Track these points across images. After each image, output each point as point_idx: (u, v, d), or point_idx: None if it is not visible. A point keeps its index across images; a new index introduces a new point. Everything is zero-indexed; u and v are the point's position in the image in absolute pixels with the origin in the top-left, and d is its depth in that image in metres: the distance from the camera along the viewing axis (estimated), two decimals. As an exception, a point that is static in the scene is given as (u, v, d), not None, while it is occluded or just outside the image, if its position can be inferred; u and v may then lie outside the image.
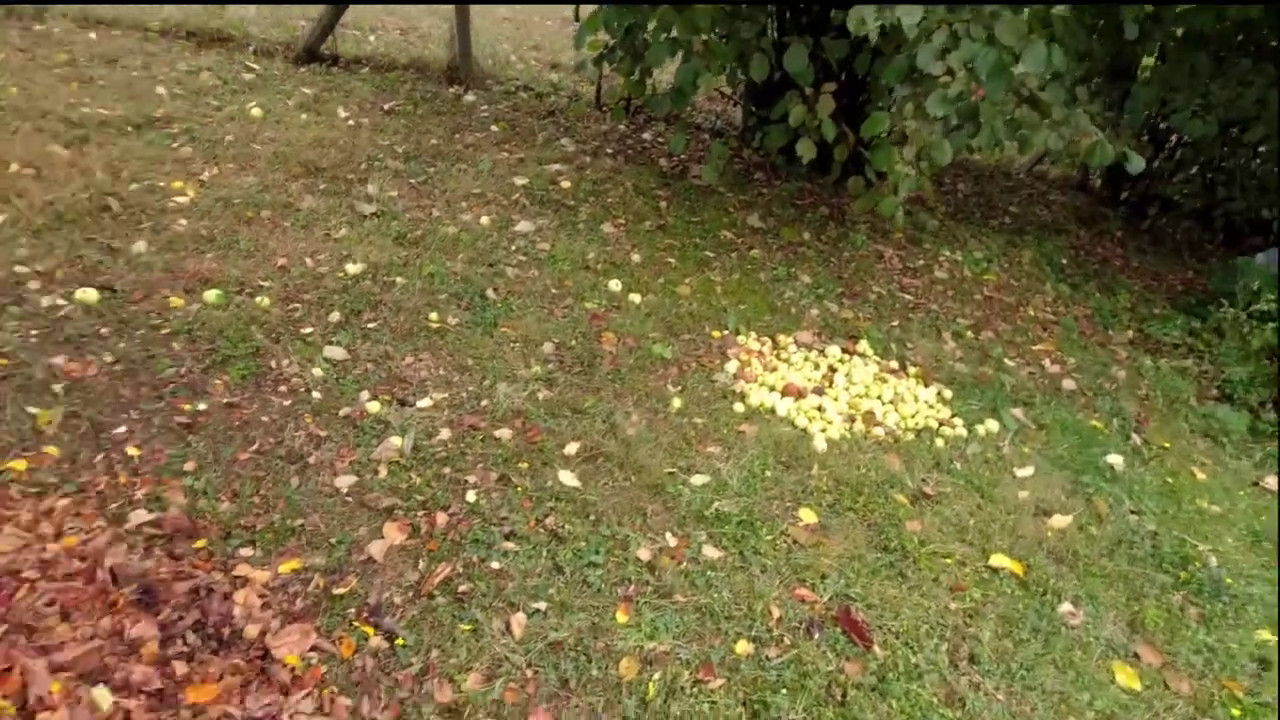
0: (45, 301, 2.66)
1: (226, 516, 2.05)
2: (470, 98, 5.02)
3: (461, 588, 1.99)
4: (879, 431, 2.80)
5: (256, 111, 4.24)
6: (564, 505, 2.29)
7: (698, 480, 2.45)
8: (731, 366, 3.01)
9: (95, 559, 1.72)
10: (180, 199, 3.40)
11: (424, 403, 2.60)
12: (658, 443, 2.58)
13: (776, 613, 2.03)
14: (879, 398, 2.96)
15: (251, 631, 1.72)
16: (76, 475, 2.07)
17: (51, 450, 2.12)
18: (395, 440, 2.41)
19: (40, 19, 4.68)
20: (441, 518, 2.18)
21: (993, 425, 2.93)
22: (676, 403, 2.78)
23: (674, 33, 3.81)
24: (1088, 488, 2.72)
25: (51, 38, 4.54)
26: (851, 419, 2.84)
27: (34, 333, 2.53)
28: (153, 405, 2.37)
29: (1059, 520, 2.53)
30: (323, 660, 1.74)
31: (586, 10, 4.04)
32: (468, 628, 1.89)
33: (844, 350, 3.21)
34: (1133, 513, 2.65)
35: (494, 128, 4.67)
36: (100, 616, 1.58)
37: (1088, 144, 3.32)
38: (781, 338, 3.26)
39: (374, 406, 2.54)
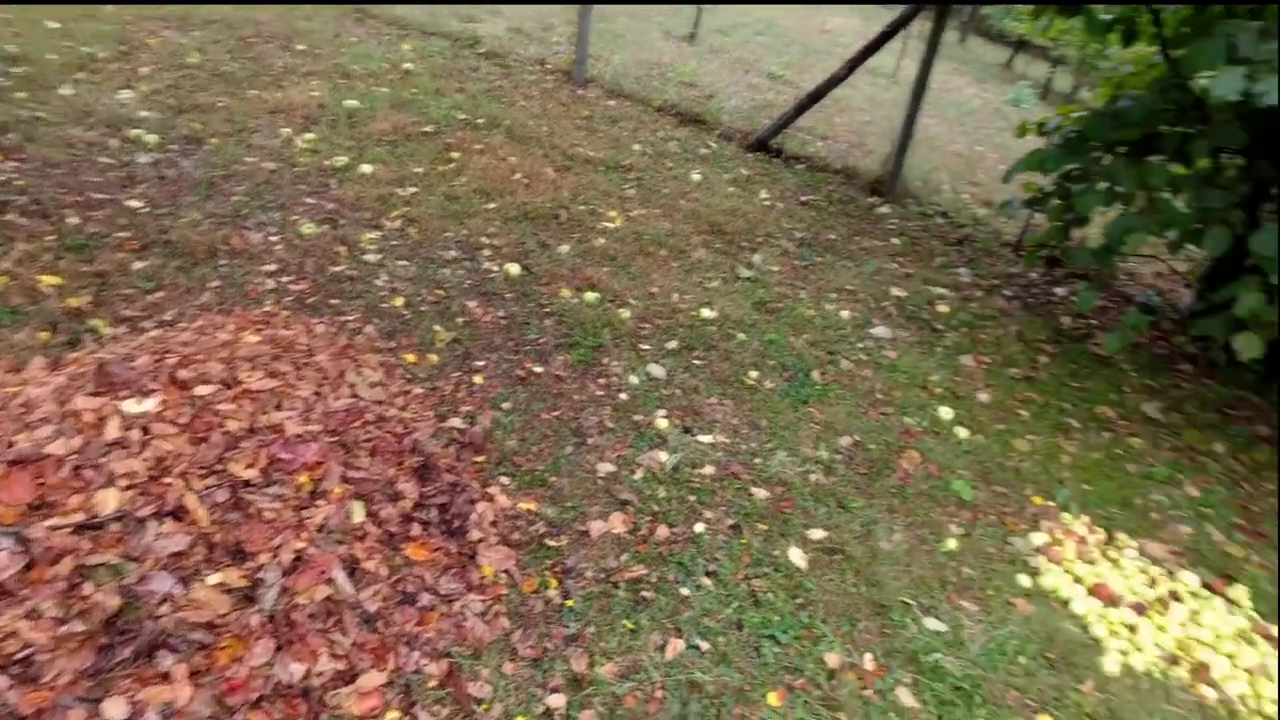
0: (487, 265, 3.50)
1: (508, 449, 2.44)
2: (884, 210, 5.16)
3: (645, 593, 2.06)
4: (1209, 692, 2.13)
5: (696, 177, 4.97)
6: (777, 576, 2.22)
7: (932, 624, 2.16)
8: (1038, 538, 2.58)
9: (411, 431, 2.22)
10: (609, 224, 4.14)
11: (705, 438, 2.76)
12: (908, 570, 2.34)
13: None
14: (1231, 657, 2.25)
15: (474, 535, 2.03)
16: (436, 379, 2.68)
17: (434, 357, 2.78)
18: (663, 456, 2.61)
19: (585, 87, 6.15)
20: (664, 531, 2.29)
21: None
22: (952, 544, 2.49)
23: (1118, 186, 3.50)
24: None
25: (585, 100, 5.93)
26: (1174, 660, 2.21)
27: (468, 282, 3.33)
28: (509, 356, 2.94)
29: None
30: (508, 584, 1.98)
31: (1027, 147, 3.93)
32: (630, 625, 1.96)
33: (1205, 585, 2.52)
34: None
35: (895, 240, 4.73)
36: (390, 465, 2.03)
37: None
38: (1122, 537, 2.68)
39: (662, 423, 2.78)
